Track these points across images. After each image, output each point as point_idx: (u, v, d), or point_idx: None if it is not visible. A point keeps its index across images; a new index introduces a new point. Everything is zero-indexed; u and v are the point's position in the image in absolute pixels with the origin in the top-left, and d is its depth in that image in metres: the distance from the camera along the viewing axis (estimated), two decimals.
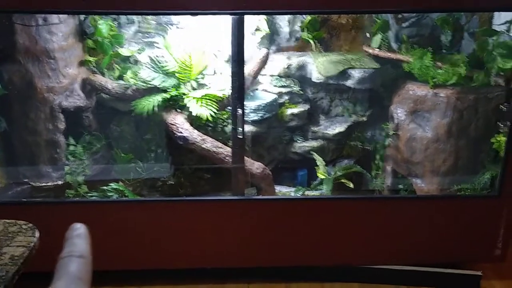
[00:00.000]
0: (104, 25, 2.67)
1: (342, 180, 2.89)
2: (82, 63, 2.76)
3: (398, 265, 2.65)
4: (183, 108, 2.64)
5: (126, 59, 2.84)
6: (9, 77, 2.51)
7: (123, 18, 2.80)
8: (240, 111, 2.35)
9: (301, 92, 3.00)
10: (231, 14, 2.20)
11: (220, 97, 2.63)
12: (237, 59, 2.29)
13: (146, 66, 2.73)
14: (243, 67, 2.33)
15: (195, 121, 2.61)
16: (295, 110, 2.99)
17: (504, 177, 2.45)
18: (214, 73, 2.91)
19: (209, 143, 2.54)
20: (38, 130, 2.63)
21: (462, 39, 2.92)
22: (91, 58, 2.77)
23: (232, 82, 2.37)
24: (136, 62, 2.86)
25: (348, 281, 2.67)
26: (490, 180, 2.60)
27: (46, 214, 2.44)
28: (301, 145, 3.05)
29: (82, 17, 2.67)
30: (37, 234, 1.27)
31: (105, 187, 2.63)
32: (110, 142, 2.87)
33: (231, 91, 2.41)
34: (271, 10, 2.29)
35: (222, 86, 2.72)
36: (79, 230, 0.69)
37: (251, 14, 2.51)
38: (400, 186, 2.90)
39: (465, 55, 2.66)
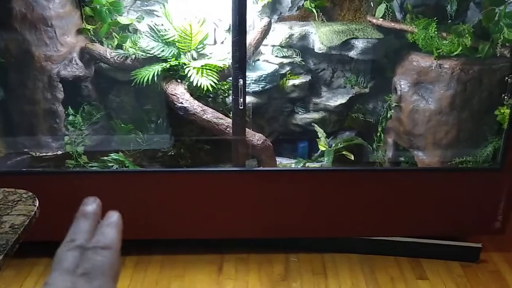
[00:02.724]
0: None
1: (343, 152, 2.88)
2: (80, 32, 2.70)
3: (398, 237, 2.67)
4: (183, 78, 2.60)
5: (125, 27, 2.79)
6: (6, 45, 2.46)
7: None
8: (241, 81, 2.32)
9: (303, 63, 2.95)
10: None
11: (221, 67, 2.59)
12: (239, 28, 2.24)
13: (145, 35, 2.68)
14: (245, 36, 2.28)
15: (195, 92, 2.57)
16: (297, 81, 2.95)
17: (506, 150, 2.44)
18: (215, 42, 2.86)
19: (209, 114, 2.51)
20: (36, 99, 2.60)
21: (468, 9, 2.86)
22: (89, 26, 2.71)
23: (233, 52, 2.34)
24: (136, 31, 2.80)
25: (348, 252, 2.68)
26: (492, 153, 2.59)
27: (46, 184, 2.43)
28: (302, 117, 3.03)
29: None
30: (36, 203, 1.26)
31: (105, 158, 2.62)
32: (109, 113, 2.84)
33: (232, 61, 2.36)
34: None
35: (223, 56, 2.67)
36: (111, 218, 0.65)
37: None
38: (401, 159, 2.89)
39: (471, 25, 2.60)
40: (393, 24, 2.79)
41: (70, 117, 2.74)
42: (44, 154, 2.70)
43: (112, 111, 2.85)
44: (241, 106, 2.35)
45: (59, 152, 2.71)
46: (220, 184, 2.50)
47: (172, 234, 2.58)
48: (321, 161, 2.92)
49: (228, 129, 2.50)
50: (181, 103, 2.49)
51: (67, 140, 2.71)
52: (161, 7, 2.79)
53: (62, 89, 2.65)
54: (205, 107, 2.53)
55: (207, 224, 2.55)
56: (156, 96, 2.71)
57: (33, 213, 1.20)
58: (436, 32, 2.60)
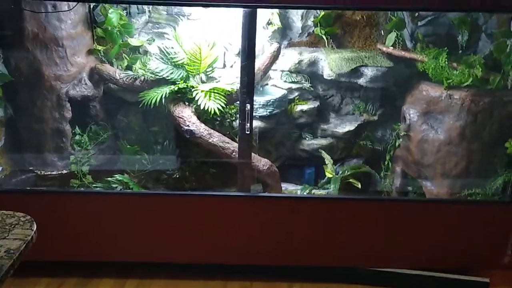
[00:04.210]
0: (114, 14, 2.63)
1: (350, 180, 2.84)
2: (91, 52, 2.72)
3: (404, 269, 2.60)
4: (191, 101, 2.60)
5: (135, 49, 2.81)
6: (16, 64, 2.48)
7: (133, 8, 2.76)
8: (248, 106, 2.31)
9: (312, 89, 2.95)
10: (243, 7, 2.15)
11: (229, 91, 2.59)
12: (248, 53, 2.24)
13: (155, 57, 2.69)
14: (254, 61, 2.28)
15: (203, 115, 2.57)
16: (305, 106, 2.94)
17: None
18: (224, 66, 2.87)
19: (216, 138, 2.50)
20: (44, 118, 2.61)
21: (479, 40, 2.85)
22: (100, 47, 2.73)
23: (241, 76, 2.33)
24: (146, 52, 2.82)
25: (353, 283, 2.62)
26: (502, 186, 2.54)
27: (49, 204, 2.42)
28: (309, 143, 3.00)
29: (92, 5, 2.63)
30: (34, 226, 1.24)
31: (109, 178, 2.60)
32: (116, 133, 2.85)
33: (240, 85, 2.36)
34: (285, 4, 2.23)
35: (232, 80, 2.67)
36: None
37: (264, 8, 2.46)
38: (409, 188, 2.84)
39: (482, 56, 2.58)
40: (403, 52, 2.79)
41: (77, 137, 2.74)
42: (49, 172, 2.69)
43: (119, 132, 2.85)
44: (247, 131, 2.34)
45: (64, 171, 2.70)
46: (225, 208, 2.47)
47: (175, 258, 2.54)
48: (328, 188, 2.89)
49: (234, 153, 2.49)
50: (188, 126, 2.48)
51: (73, 159, 2.71)
52: (171, 30, 2.81)
53: (70, 108, 2.66)
54: (212, 131, 2.51)
55: (212, 248, 2.51)
56: (163, 118, 2.71)
57: (29, 237, 1.18)
58: (446, 62, 2.59)
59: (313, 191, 2.84)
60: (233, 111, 2.68)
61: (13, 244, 1.14)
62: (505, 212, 2.47)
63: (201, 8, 2.57)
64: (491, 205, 2.51)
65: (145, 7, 2.75)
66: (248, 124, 2.33)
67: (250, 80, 2.30)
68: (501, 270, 2.63)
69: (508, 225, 2.48)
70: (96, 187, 2.60)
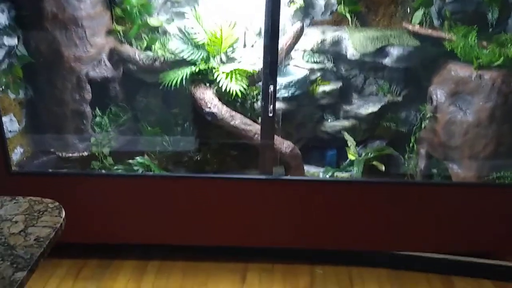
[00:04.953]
0: None
1: (373, 163, 2.79)
2: (110, 32, 2.68)
3: (429, 253, 2.56)
4: (212, 82, 2.55)
5: (154, 29, 2.76)
6: (36, 45, 2.45)
7: None
8: (271, 87, 2.25)
9: (335, 69, 2.87)
10: None
11: (251, 72, 2.53)
12: (271, 33, 2.18)
13: (175, 37, 2.64)
14: (277, 41, 2.22)
15: (224, 97, 2.52)
16: (327, 87, 2.87)
17: None
18: (245, 46, 2.81)
19: (238, 120, 2.45)
20: (64, 100, 2.59)
21: (509, 18, 2.74)
22: (119, 27, 2.68)
23: (264, 56, 2.27)
24: (165, 32, 2.77)
25: (376, 267, 2.59)
26: None
27: (71, 186, 2.42)
28: (331, 124, 2.94)
29: None
30: (63, 214, 1.21)
31: (130, 161, 2.59)
32: (136, 114, 2.82)
33: (262, 66, 2.30)
34: None
35: (253, 60, 2.61)
36: None
37: None
38: (434, 170, 2.78)
39: None
40: (430, 31, 2.69)
41: (97, 118, 2.72)
42: (70, 154, 2.68)
43: (139, 113, 2.82)
44: (270, 113, 2.28)
45: (85, 153, 2.69)
46: (247, 191, 2.44)
47: (195, 240, 2.53)
48: (350, 171, 2.84)
49: (256, 135, 2.44)
50: (210, 108, 2.44)
51: (94, 141, 2.69)
52: (191, 9, 2.74)
53: (90, 90, 2.63)
54: (234, 113, 2.47)
55: (232, 231, 2.49)
56: (183, 100, 2.67)
57: (58, 225, 1.15)
58: (476, 41, 2.50)
59: (335, 173, 2.79)
60: (255, 92, 2.62)
61: (43, 232, 1.12)
62: None
63: None
64: None
65: None
66: (271, 106, 2.27)
67: (273, 61, 2.24)
68: None
69: None
70: (117, 169, 2.59)
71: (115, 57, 2.71)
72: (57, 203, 1.26)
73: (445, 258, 2.56)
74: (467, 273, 2.55)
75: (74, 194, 2.39)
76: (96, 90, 2.66)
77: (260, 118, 2.61)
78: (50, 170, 2.56)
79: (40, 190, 2.39)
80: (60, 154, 2.68)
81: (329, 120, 2.95)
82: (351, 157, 2.84)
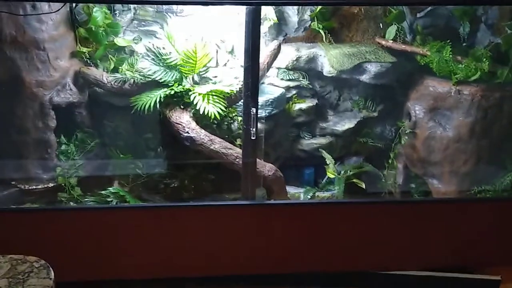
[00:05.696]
0: (99, 12, 2.42)
1: (354, 180, 2.74)
2: (74, 55, 2.51)
3: (413, 271, 2.53)
4: (187, 105, 2.43)
5: (121, 49, 2.61)
6: None
7: (118, 5, 2.55)
8: (253, 110, 2.15)
9: (310, 86, 2.81)
10: (248, 4, 1.98)
11: (228, 93, 2.43)
12: (252, 54, 2.08)
13: (145, 58, 2.50)
14: (258, 62, 2.12)
15: (202, 120, 2.40)
16: (303, 105, 2.81)
17: None
18: (217, 65, 2.70)
19: (217, 144, 2.34)
20: (26, 128, 2.39)
21: (478, 31, 2.78)
22: (84, 49, 2.52)
23: (244, 78, 2.17)
24: (132, 52, 2.62)
25: None
26: None
27: (37, 222, 2.22)
28: (308, 142, 2.88)
29: (73, 4, 2.41)
30: (52, 274, 1.07)
31: (103, 191, 2.41)
32: (105, 141, 2.64)
33: (243, 88, 2.20)
34: (291, 0, 2.08)
35: (229, 80, 2.52)
36: None
37: (270, 5, 2.31)
38: (414, 187, 2.76)
39: (487, 49, 2.51)
40: (403, 46, 2.69)
41: (63, 146, 2.53)
42: (34, 187, 2.48)
43: (108, 139, 2.65)
44: (253, 136, 2.18)
45: (51, 185, 2.49)
46: (229, 218, 2.32)
47: (177, 272, 2.38)
48: (331, 190, 2.78)
49: (237, 159, 2.34)
50: (187, 133, 2.32)
51: (59, 171, 2.50)
52: (160, 28, 2.62)
53: (54, 116, 2.45)
54: (213, 137, 2.35)
55: (216, 260, 2.36)
56: (157, 124, 2.52)
57: None
58: (451, 56, 2.51)
59: (316, 193, 2.73)
60: (233, 114, 2.52)
61: None
62: None
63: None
64: (502, 202, 2.45)
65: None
66: (254, 129, 2.17)
67: (254, 82, 2.14)
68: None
69: None
70: (88, 201, 2.41)
71: (81, 81, 2.54)
72: (43, 262, 1.11)
73: (429, 276, 2.53)
74: None
75: (42, 232, 2.20)
76: (61, 116, 2.48)
77: (237, 140, 2.52)
78: (13, 206, 2.34)
79: (3, 229, 2.19)
80: (22, 187, 2.47)
81: (305, 138, 2.89)
82: (330, 175, 2.78)
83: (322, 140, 2.89)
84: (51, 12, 2.20)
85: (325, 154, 2.81)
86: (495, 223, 2.45)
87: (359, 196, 2.73)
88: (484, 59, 2.44)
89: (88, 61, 2.55)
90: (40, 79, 2.34)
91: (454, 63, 2.51)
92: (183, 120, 2.35)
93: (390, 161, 2.76)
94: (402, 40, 2.74)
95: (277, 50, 2.51)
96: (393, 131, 2.84)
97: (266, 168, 2.41)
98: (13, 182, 2.47)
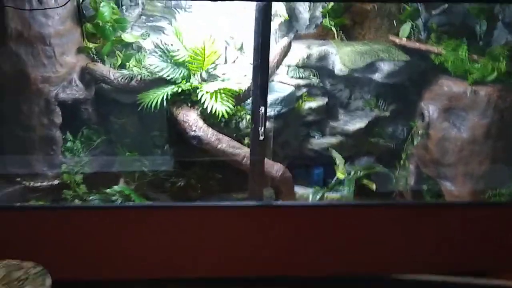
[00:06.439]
0: (106, 7, 2.37)
1: (364, 181, 2.67)
2: (81, 50, 2.47)
3: (425, 275, 2.46)
4: (195, 103, 2.38)
5: (129, 45, 2.56)
6: None
7: (126, 0, 2.51)
8: (262, 109, 2.09)
9: (321, 85, 2.75)
10: (257, 0, 1.92)
11: (236, 91, 2.37)
12: (262, 52, 2.02)
13: (152, 54, 2.45)
14: (267, 61, 2.06)
15: (209, 118, 2.35)
16: (313, 104, 2.75)
17: None
18: (226, 62, 2.65)
19: (225, 144, 2.29)
20: (31, 125, 2.35)
21: (495, 29, 2.69)
22: (91, 45, 2.47)
23: (253, 77, 2.11)
24: (140, 48, 2.58)
25: None
26: None
27: (41, 220, 2.18)
28: (318, 141, 2.82)
29: None
30: (49, 281, 1.02)
31: (108, 190, 2.37)
32: (111, 137, 2.60)
33: (252, 87, 2.14)
34: None
35: (237, 78, 2.46)
36: None
37: (279, 1, 2.24)
38: (424, 187, 2.69)
39: (506, 48, 2.42)
40: (418, 44, 2.61)
41: (68, 143, 2.50)
42: (39, 184, 2.44)
43: (114, 136, 2.61)
44: (261, 136, 2.12)
45: (56, 182, 2.46)
46: (237, 219, 2.26)
47: (183, 272, 2.33)
48: (340, 190, 2.72)
49: (245, 159, 2.28)
50: (195, 131, 2.27)
51: (65, 168, 2.46)
52: (168, 23, 2.57)
53: (60, 113, 2.41)
54: (221, 136, 2.30)
55: (222, 261, 2.31)
56: (164, 121, 2.48)
57: None
58: (467, 55, 2.43)
59: (325, 194, 2.66)
60: (241, 112, 2.46)
61: None
62: None
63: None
64: None
65: None
66: (262, 129, 2.11)
67: (263, 81, 2.08)
68: None
69: None
70: (93, 199, 2.37)
71: (87, 77, 2.50)
72: (40, 268, 1.07)
73: (440, 281, 2.46)
74: None
75: (46, 230, 2.16)
76: (66, 113, 2.44)
77: (245, 139, 2.46)
78: (18, 204, 2.31)
79: (6, 228, 2.16)
80: (28, 184, 2.44)
81: (315, 137, 2.83)
82: (340, 175, 2.72)
83: (332, 140, 2.82)
84: (57, 7, 2.15)
85: (335, 153, 2.75)
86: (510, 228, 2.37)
87: (369, 197, 2.67)
88: (502, 58, 2.35)
89: (95, 56, 2.50)
90: (46, 75, 2.30)
91: (470, 62, 2.43)
92: (190, 118, 2.30)
93: (401, 162, 2.69)
94: (417, 38, 2.66)
95: (288, 48, 2.45)
96: (405, 131, 2.77)
97: (275, 168, 2.35)
98: (18, 179, 2.44)
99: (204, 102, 2.30)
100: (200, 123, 2.30)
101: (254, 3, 1.97)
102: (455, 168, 2.46)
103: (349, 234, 2.32)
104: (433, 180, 2.62)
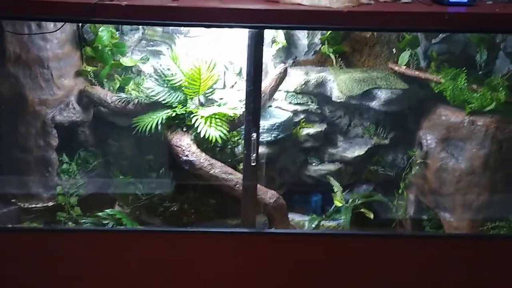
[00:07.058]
0: (105, 31, 2.41)
1: (362, 210, 2.63)
2: (79, 73, 2.50)
3: None
4: (189, 127, 2.38)
5: (127, 69, 2.59)
6: None
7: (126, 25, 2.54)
8: (254, 135, 2.09)
9: (319, 111, 2.73)
10: (250, 27, 1.93)
11: (231, 116, 2.37)
12: (254, 77, 2.02)
13: (149, 79, 2.47)
14: (260, 86, 2.06)
15: (203, 143, 2.34)
16: (311, 130, 2.73)
17: None
18: (224, 87, 2.66)
19: (217, 169, 2.28)
20: (28, 146, 2.38)
21: (496, 59, 2.66)
22: (89, 68, 2.51)
23: (246, 102, 2.11)
24: (139, 72, 2.60)
25: None
26: None
27: (34, 242, 2.18)
28: (316, 168, 2.79)
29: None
30: None
31: (100, 213, 2.37)
32: (107, 160, 2.61)
33: (245, 112, 2.14)
34: (295, 25, 2.02)
35: (233, 103, 2.46)
36: None
37: (273, 28, 2.25)
38: (424, 217, 2.64)
39: (504, 78, 2.40)
40: (417, 73, 2.59)
41: (64, 165, 2.51)
42: (34, 205, 2.45)
43: (110, 159, 2.62)
44: (253, 162, 2.11)
45: (50, 204, 2.47)
46: (226, 245, 2.24)
47: None
48: (337, 219, 2.68)
49: (238, 185, 2.27)
50: (187, 156, 2.26)
51: (60, 190, 2.47)
52: (167, 48, 2.59)
53: (56, 135, 2.43)
54: (213, 161, 2.29)
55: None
56: (158, 145, 2.48)
57: None
58: (465, 84, 2.40)
59: (322, 222, 2.63)
60: (236, 138, 2.46)
61: None
62: None
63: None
64: None
65: None
66: (254, 155, 2.10)
67: (256, 107, 2.08)
68: None
69: None
70: (85, 222, 2.36)
71: (85, 100, 2.52)
72: None
73: None
74: None
75: (37, 252, 2.16)
76: (63, 135, 2.46)
77: (240, 165, 2.45)
78: (10, 226, 2.32)
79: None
80: (23, 205, 2.45)
81: (313, 164, 2.80)
82: (337, 203, 2.68)
83: (331, 167, 2.79)
84: (54, 31, 2.18)
85: (333, 181, 2.72)
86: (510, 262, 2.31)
87: (367, 226, 2.62)
88: (501, 89, 2.32)
89: (94, 80, 2.53)
90: (43, 98, 2.34)
91: (469, 92, 2.40)
92: (183, 143, 2.30)
93: (400, 191, 2.65)
94: (416, 66, 2.64)
95: (283, 74, 2.46)
96: (404, 160, 2.73)
97: (268, 195, 2.33)
98: (13, 200, 2.45)
99: (198, 126, 2.29)
100: (193, 148, 2.30)
101: (247, 30, 1.98)
102: (453, 199, 2.41)
103: (343, 264, 2.28)
104: (432, 210, 2.57)
